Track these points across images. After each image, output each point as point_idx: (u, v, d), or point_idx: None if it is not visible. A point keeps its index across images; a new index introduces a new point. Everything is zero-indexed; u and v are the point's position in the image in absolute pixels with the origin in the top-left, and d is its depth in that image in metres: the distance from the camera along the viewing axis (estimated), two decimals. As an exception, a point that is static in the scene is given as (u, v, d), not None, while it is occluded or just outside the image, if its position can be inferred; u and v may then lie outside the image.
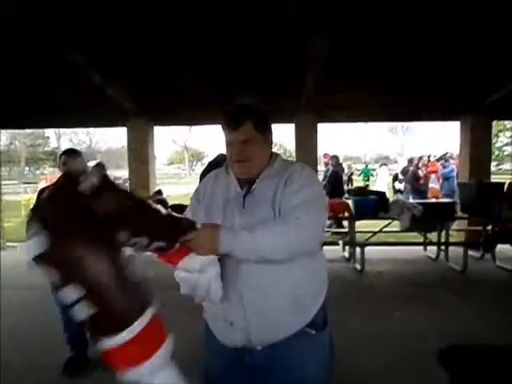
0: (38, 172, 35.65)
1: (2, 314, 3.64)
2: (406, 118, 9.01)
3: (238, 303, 1.41)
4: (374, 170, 20.18)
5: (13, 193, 17.11)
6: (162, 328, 0.78)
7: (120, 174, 15.81)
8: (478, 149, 7.34)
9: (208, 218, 1.48)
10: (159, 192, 7.20)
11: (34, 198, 3.47)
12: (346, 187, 11.57)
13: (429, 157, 11.85)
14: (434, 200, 8.67)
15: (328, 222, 7.53)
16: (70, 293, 0.74)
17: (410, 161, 11.30)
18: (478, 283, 5.24)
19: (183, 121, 8.87)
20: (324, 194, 1.55)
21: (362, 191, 7.00)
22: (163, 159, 42.21)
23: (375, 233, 6.62)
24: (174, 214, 1.25)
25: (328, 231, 7.68)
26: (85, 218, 0.80)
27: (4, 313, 3.76)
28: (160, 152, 42.09)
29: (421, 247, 6.73)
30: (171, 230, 1.21)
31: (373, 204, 6.10)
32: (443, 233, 6.43)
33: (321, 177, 9.59)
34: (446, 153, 11.73)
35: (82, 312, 0.75)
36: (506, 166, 27.88)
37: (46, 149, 34.36)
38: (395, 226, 6.35)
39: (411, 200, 8.01)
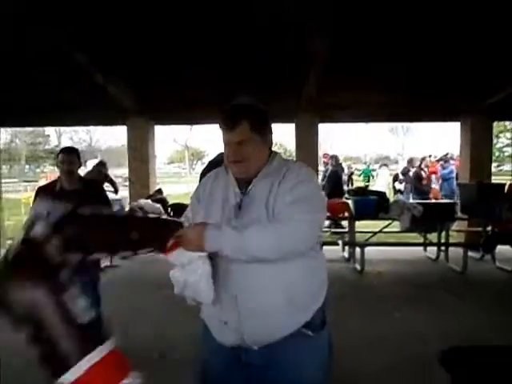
0: (38, 170, 35.66)
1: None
2: (407, 118, 9.00)
3: (231, 303, 1.41)
4: (373, 170, 20.17)
5: (13, 191, 17.09)
6: (118, 366, 0.79)
7: (120, 172, 15.79)
8: (479, 150, 7.34)
9: (207, 217, 1.48)
10: (159, 191, 7.20)
11: (33, 196, 3.48)
12: (346, 187, 11.58)
13: (429, 157, 11.86)
14: (434, 201, 8.67)
15: (327, 222, 7.53)
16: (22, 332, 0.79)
17: (410, 161, 11.29)
18: (477, 284, 5.24)
19: (184, 120, 8.86)
20: (321, 193, 1.54)
21: (362, 191, 7.00)
22: (164, 158, 42.20)
23: (375, 233, 6.61)
24: (163, 217, 1.37)
25: (327, 231, 7.68)
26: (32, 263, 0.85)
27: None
28: (160, 151, 42.04)
29: (421, 248, 6.72)
30: (158, 232, 1.30)
31: (373, 204, 6.10)
32: (443, 233, 6.43)
33: (320, 177, 9.59)
34: (447, 153, 11.72)
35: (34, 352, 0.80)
36: (506, 167, 27.82)
37: (47, 147, 34.33)
38: (395, 226, 6.35)
39: (411, 200, 8.01)
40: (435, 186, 10.72)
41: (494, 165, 11.91)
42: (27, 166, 36.99)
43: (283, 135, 21.18)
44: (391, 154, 40.52)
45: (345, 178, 13.37)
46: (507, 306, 4.30)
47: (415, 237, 6.93)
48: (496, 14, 4.68)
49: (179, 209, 5.75)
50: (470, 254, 5.90)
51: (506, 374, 1.68)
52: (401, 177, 12.11)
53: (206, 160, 7.46)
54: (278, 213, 1.37)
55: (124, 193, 8.50)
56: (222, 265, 1.40)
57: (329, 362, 1.54)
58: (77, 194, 3.01)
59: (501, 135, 26.34)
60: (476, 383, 1.75)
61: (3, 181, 9.13)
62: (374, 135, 58.72)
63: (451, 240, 6.62)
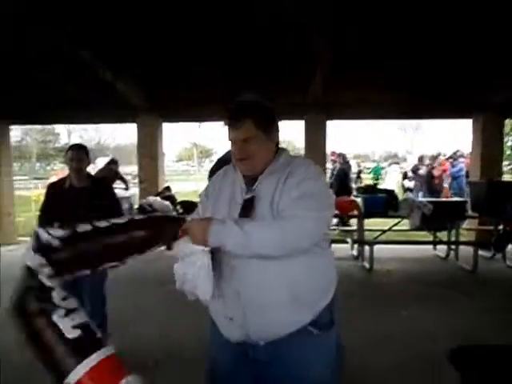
0: (48, 168, 35.99)
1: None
2: (417, 115, 8.92)
3: (235, 299, 1.41)
4: (383, 168, 20.06)
5: (24, 188, 17.32)
6: (113, 370, 0.88)
7: (129, 170, 15.90)
8: (490, 147, 7.26)
9: (214, 212, 1.49)
10: (168, 188, 7.24)
11: (43, 193, 3.50)
12: (354, 185, 11.53)
13: (441, 155, 11.76)
14: (444, 199, 8.60)
15: (334, 221, 7.50)
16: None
17: (421, 159, 11.20)
18: (488, 283, 5.18)
19: (192, 117, 8.88)
20: (329, 190, 1.51)
21: (371, 189, 6.96)
22: (172, 156, 42.39)
23: (384, 231, 6.57)
24: (171, 214, 1.42)
25: (335, 229, 7.65)
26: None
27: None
28: (169, 149, 42.28)
29: (430, 246, 6.67)
30: (164, 228, 1.34)
31: (382, 202, 6.06)
32: (453, 232, 6.37)
33: (328, 174, 9.56)
34: (457, 151, 11.60)
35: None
36: (517, 166, 27.47)
37: (57, 145, 34.64)
38: (405, 224, 6.31)
39: (421, 198, 7.95)
40: (445, 184, 10.63)
41: (505, 163, 11.74)
42: (38, 164, 37.35)
43: (291, 132, 21.18)
44: (400, 152, 40.28)
45: (353, 176, 13.30)
46: (518, 305, 4.26)
47: (424, 235, 6.86)
48: (509, 11, 4.60)
49: (188, 206, 5.77)
50: (480, 252, 5.85)
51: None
52: (410, 174, 12.03)
53: (215, 158, 7.48)
54: (282, 209, 1.36)
55: (133, 190, 8.56)
56: (225, 260, 1.41)
57: (337, 361, 1.52)
58: (86, 191, 3.03)
59: (512, 133, 26.00)
60: (486, 382, 1.73)
61: (14, 178, 9.24)
62: (383, 133, 58.49)
63: (461, 238, 6.57)
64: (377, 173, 17.88)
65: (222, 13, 4.67)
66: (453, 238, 6.37)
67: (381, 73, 6.10)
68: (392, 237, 6.68)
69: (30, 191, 15.44)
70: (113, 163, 7.10)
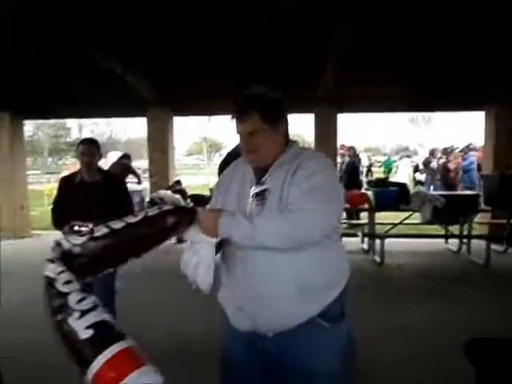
0: (60, 162, 36.35)
1: (24, 303, 3.73)
2: (429, 108, 8.82)
3: (244, 290, 1.42)
4: (394, 161, 19.89)
5: (36, 182, 17.54)
6: (128, 360, 0.96)
7: (140, 164, 15.99)
8: (503, 140, 7.15)
9: (224, 204, 1.51)
10: (178, 182, 7.28)
11: (55, 187, 3.53)
12: (365, 179, 11.46)
13: (455, 148, 11.63)
14: (456, 192, 8.51)
15: (344, 215, 7.46)
16: None
17: (432, 152, 11.09)
18: (500, 277, 5.13)
19: (202, 111, 8.89)
20: (340, 184, 1.51)
21: (382, 183, 6.90)
22: (182, 150, 42.52)
23: (395, 225, 6.53)
24: (182, 205, 1.50)
25: (345, 223, 7.62)
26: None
27: (27, 301, 3.85)
28: (179, 143, 42.39)
29: (442, 240, 6.62)
30: (180, 220, 1.36)
31: (393, 195, 6.01)
32: (465, 225, 6.30)
33: (338, 168, 9.51)
34: (470, 144, 11.47)
35: None
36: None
37: (68, 140, 34.93)
38: (416, 218, 6.26)
39: (432, 191, 7.87)
40: (457, 177, 10.51)
41: (518, 155, 11.57)
42: (50, 159, 37.73)
43: (300, 126, 21.07)
44: (411, 145, 39.89)
45: (363, 169, 13.22)
46: (531, 299, 4.21)
47: (436, 229, 6.80)
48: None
49: (198, 199, 5.79)
50: (492, 246, 5.79)
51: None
52: (421, 167, 11.93)
53: (224, 151, 7.49)
54: (292, 202, 1.36)
55: (144, 184, 8.63)
56: (234, 251, 1.43)
57: (348, 353, 1.51)
58: (97, 185, 3.05)
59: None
60: (500, 374, 1.72)
61: (27, 172, 9.36)
62: (394, 126, 57.93)
63: (474, 232, 6.50)
64: (388, 166, 17.75)
65: (235, 6, 4.64)
66: (465, 232, 6.31)
67: (392, 66, 6.03)
68: (403, 230, 6.64)
69: (43, 185, 15.65)
70: (125, 158, 7.17)
